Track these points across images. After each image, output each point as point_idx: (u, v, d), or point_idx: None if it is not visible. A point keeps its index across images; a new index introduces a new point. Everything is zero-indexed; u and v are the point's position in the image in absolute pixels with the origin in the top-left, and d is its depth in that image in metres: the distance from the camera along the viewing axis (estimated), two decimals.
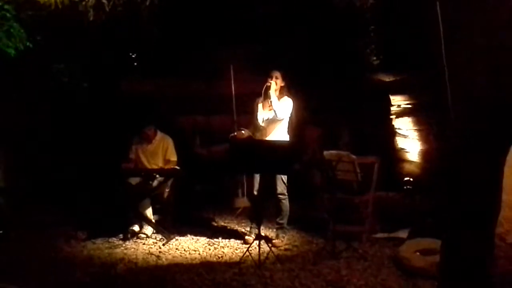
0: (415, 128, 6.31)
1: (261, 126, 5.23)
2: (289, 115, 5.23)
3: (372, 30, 6.28)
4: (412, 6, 5.27)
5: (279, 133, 5.20)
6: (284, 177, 5.17)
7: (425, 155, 6.18)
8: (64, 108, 6.28)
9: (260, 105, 5.27)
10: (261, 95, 5.24)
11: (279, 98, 5.18)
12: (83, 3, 4.17)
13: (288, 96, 5.22)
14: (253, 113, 5.35)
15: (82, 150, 6.29)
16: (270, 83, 5.12)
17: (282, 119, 5.18)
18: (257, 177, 5.28)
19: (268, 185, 5.18)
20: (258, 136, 5.24)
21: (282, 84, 5.21)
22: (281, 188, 5.19)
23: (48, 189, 6.11)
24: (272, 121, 5.20)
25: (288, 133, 5.27)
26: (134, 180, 5.55)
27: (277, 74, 5.18)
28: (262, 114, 5.25)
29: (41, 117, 6.19)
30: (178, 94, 6.98)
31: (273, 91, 5.12)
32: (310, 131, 6.66)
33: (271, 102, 5.13)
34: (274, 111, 5.12)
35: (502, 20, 2.53)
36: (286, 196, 5.25)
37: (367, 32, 6.34)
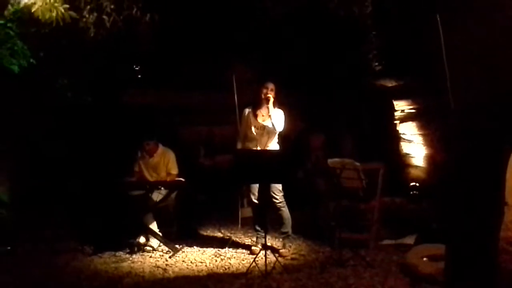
0: (420, 132, 6.29)
1: (253, 136, 5.22)
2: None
3: (373, 36, 6.28)
4: (411, 11, 5.28)
5: (274, 144, 5.23)
6: (279, 185, 5.16)
7: (431, 159, 6.15)
8: (68, 122, 6.32)
9: (251, 115, 5.25)
10: (248, 105, 5.28)
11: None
12: (84, 19, 4.21)
13: (278, 107, 5.21)
14: (241, 123, 5.36)
15: (86, 163, 6.32)
16: (269, 97, 5.11)
17: (278, 131, 5.19)
18: (255, 186, 5.28)
19: (267, 195, 5.17)
20: (250, 146, 5.24)
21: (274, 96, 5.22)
22: (278, 197, 5.19)
23: (54, 203, 6.13)
24: (267, 132, 5.19)
25: (278, 143, 5.28)
26: (138, 193, 5.56)
27: (272, 86, 5.18)
28: (255, 124, 5.24)
29: (45, 132, 6.23)
30: (180, 105, 7.02)
31: (271, 105, 5.13)
32: (314, 138, 6.65)
33: (270, 116, 5.12)
34: (273, 124, 5.12)
35: (498, 24, 2.53)
36: (285, 204, 5.24)
37: (368, 38, 6.34)
